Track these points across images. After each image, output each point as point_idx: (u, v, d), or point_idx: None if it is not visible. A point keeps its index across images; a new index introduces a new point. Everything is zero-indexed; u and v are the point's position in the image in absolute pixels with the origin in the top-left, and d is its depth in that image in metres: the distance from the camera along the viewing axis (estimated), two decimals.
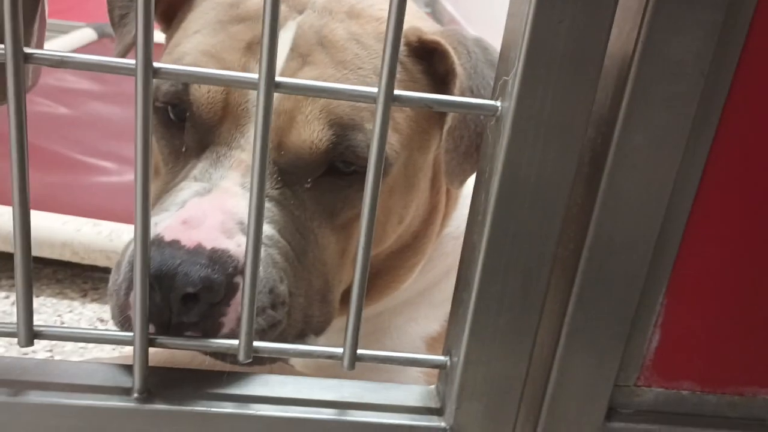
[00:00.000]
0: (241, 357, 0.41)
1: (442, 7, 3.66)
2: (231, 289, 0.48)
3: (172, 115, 0.58)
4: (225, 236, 0.49)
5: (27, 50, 0.34)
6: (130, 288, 0.50)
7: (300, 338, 0.57)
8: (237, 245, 0.49)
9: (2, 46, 0.34)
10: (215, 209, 0.51)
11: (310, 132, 0.54)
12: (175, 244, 0.48)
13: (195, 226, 0.49)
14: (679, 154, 0.38)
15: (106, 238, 1.06)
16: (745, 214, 0.42)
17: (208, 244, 0.48)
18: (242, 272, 0.48)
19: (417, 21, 0.62)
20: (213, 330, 0.48)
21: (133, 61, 0.35)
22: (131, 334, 0.40)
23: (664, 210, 0.40)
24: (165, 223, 0.50)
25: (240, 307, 0.48)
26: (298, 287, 0.55)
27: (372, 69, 0.57)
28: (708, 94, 0.38)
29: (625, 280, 0.41)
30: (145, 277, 0.39)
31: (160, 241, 0.48)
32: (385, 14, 0.60)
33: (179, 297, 0.46)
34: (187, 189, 0.53)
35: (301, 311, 0.56)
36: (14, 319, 0.40)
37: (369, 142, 0.54)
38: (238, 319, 0.48)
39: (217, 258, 0.48)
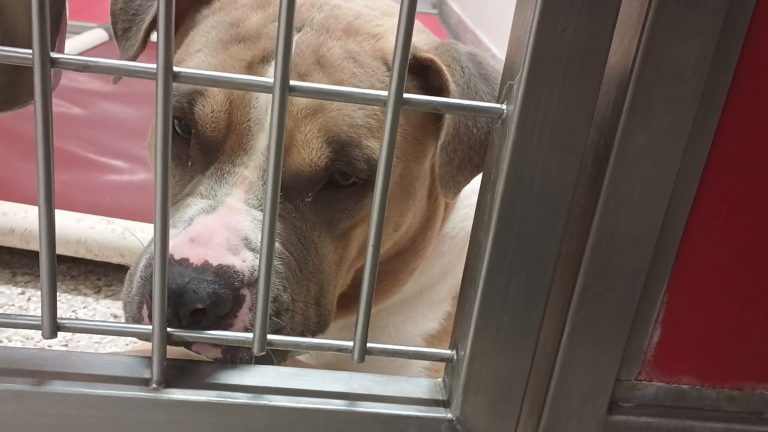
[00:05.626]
0: (255, 349, 0.43)
1: (449, 9, 3.66)
2: (237, 303, 0.50)
3: (177, 129, 0.60)
4: (231, 253, 0.52)
5: (53, 55, 0.36)
6: (142, 301, 0.53)
7: None
8: (242, 261, 0.51)
9: (30, 51, 0.35)
10: (221, 227, 0.53)
11: (309, 150, 0.56)
12: (183, 262, 0.50)
13: (202, 243, 0.52)
14: (679, 156, 0.40)
15: (119, 235, 1.07)
16: (744, 212, 0.43)
17: (215, 261, 0.51)
18: (248, 285, 0.51)
19: (414, 35, 0.63)
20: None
21: (154, 66, 0.36)
22: (150, 327, 0.42)
23: (665, 209, 0.41)
24: (174, 242, 0.52)
25: (246, 318, 0.50)
26: (299, 294, 0.57)
27: (369, 87, 0.59)
28: (707, 97, 0.39)
29: (626, 277, 0.42)
30: (164, 270, 0.41)
31: (169, 260, 0.50)
32: (382, 30, 0.62)
33: (189, 312, 0.48)
34: (194, 206, 0.55)
35: (301, 315, 0.58)
36: (30, 314, 0.41)
37: (366, 156, 0.57)
38: (245, 329, 0.49)
39: (224, 273, 0.50)
